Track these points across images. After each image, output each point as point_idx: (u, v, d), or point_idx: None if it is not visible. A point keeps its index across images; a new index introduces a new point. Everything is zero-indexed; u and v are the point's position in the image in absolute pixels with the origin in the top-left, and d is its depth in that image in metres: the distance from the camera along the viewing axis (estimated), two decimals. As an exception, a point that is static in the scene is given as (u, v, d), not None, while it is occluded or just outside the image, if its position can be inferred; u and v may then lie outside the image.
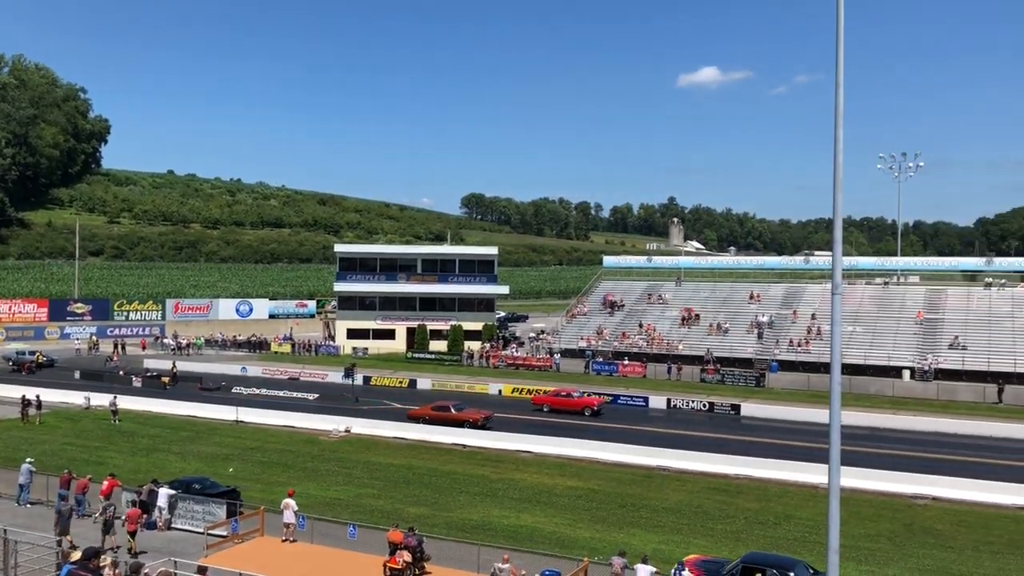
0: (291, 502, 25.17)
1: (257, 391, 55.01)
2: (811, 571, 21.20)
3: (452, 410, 43.92)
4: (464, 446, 39.25)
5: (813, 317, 65.23)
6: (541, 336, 74.32)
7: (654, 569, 20.89)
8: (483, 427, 42.38)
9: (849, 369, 56.52)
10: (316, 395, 53.29)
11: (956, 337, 60.25)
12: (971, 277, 79.96)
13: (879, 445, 39.96)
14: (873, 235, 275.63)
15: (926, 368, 57.59)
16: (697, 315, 70.10)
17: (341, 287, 79.38)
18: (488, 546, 23.07)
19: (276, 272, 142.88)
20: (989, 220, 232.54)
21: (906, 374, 57.72)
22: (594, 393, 51.37)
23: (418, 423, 43.06)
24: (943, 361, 58.26)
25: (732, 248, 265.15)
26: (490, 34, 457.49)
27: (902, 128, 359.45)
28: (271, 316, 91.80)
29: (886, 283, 73.00)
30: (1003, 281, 68.65)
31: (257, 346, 78.01)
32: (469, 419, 43.06)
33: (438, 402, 46.44)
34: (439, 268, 79.43)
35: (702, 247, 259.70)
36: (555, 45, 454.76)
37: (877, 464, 34.58)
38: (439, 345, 74.40)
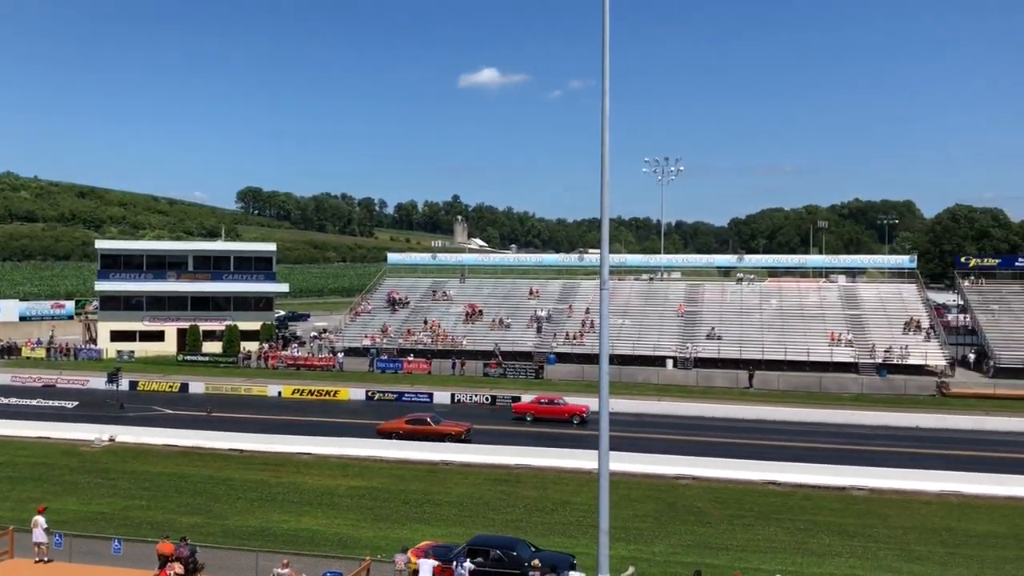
0: (40, 519, 23.21)
1: (6, 400, 50.06)
2: (532, 548, 22.54)
3: (430, 423, 39.99)
4: (241, 451, 37.80)
5: (587, 311, 68.44)
6: (323, 335, 72.94)
7: (436, 563, 21.17)
8: (465, 440, 39.03)
9: (618, 359, 60.02)
10: (75, 403, 49.44)
11: (712, 328, 65.39)
12: (725, 273, 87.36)
13: (646, 430, 42.63)
14: (640, 234, 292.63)
15: (687, 357, 62.13)
16: (480, 311, 71.51)
17: (103, 286, 73.76)
18: (267, 552, 22.46)
19: (28, 270, 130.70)
20: (741, 220, 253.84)
21: (669, 363, 61.94)
22: (552, 399, 47.12)
23: (389, 439, 38.99)
24: (701, 350, 63.04)
25: (513, 246, 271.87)
26: (273, 28, 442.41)
27: (666, 133, 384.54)
28: (23, 318, 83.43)
29: (651, 279, 78.03)
30: (752, 276, 75.51)
31: (6, 351, 70.96)
32: (451, 432, 39.43)
33: (413, 415, 41.68)
34: (213, 265, 75.65)
35: (485, 245, 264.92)
36: (338, 40, 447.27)
37: (644, 448, 36.93)
38: (213, 346, 71.00)
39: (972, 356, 63.46)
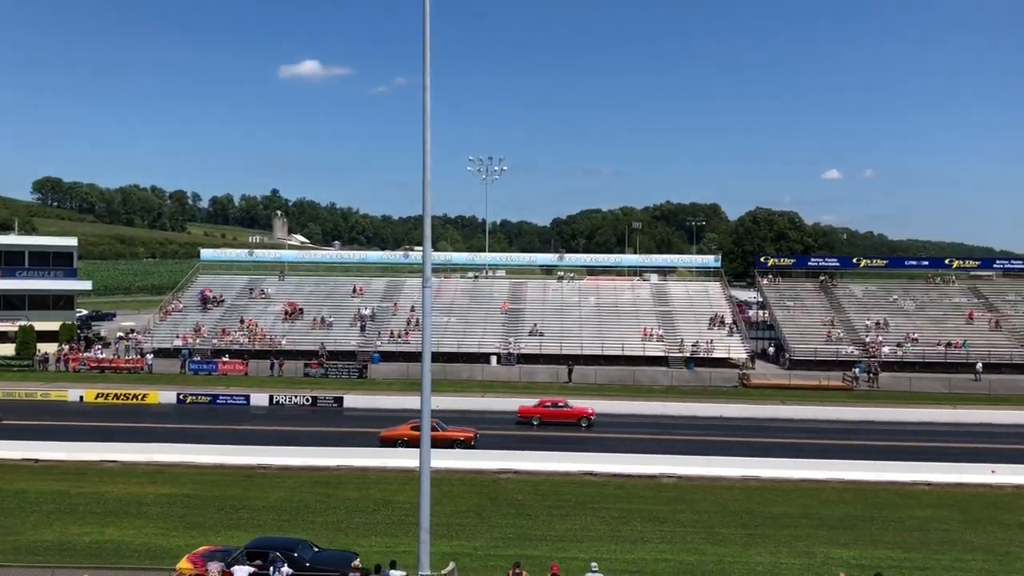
0: None
1: None
2: (315, 549, 22.39)
3: (438, 428, 37.57)
4: (37, 460, 34.99)
5: (412, 309, 68.30)
6: (130, 335, 68.87)
7: (252, 569, 20.50)
8: (473, 446, 37.65)
9: (444, 357, 60.31)
10: None
11: (535, 325, 67.00)
12: (547, 271, 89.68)
13: (470, 427, 42.98)
14: (466, 232, 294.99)
15: (510, 353, 63.31)
16: (301, 309, 69.86)
17: None
18: (65, 567, 21.00)
19: None
20: (562, 220, 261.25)
21: (493, 359, 62.96)
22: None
23: (394, 446, 37.15)
24: (524, 347, 64.47)
25: (336, 242, 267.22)
26: (78, 5, 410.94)
27: (490, 133, 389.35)
28: None
29: (476, 276, 79.00)
30: (572, 275, 78.08)
31: None
32: (460, 437, 37.91)
33: (413, 421, 38.72)
34: (4, 261, 69.42)
35: (307, 241, 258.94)
36: (146, 21, 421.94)
37: (467, 444, 37.32)
38: (6, 349, 65.38)
39: (772, 349, 68.37)
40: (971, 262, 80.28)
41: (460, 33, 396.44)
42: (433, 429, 37.89)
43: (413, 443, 36.79)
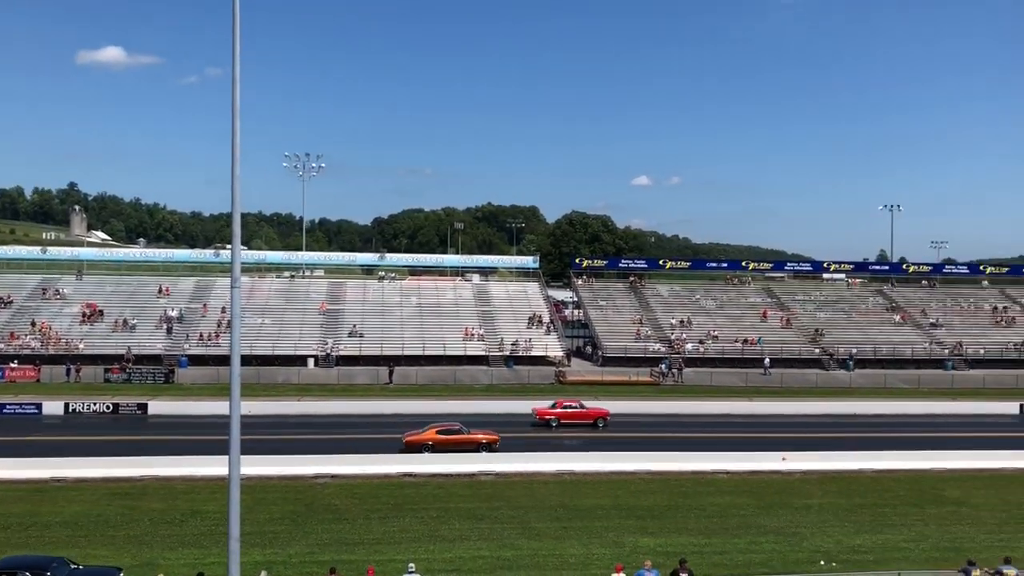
0: None
1: None
2: (73, 566, 21.16)
3: (462, 431, 38.15)
4: None
5: (223, 310, 65.60)
6: (-100, 340, 62.15)
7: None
8: (496, 449, 37.49)
9: (258, 360, 58.45)
10: None
11: (355, 325, 66.09)
12: (368, 271, 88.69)
13: (285, 431, 41.91)
14: (283, 231, 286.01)
15: (328, 355, 62.09)
16: (101, 311, 65.56)
17: None
18: None
19: None
20: (384, 220, 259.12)
21: (311, 362, 61.53)
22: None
23: (419, 452, 36.70)
24: (343, 348, 63.41)
25: (142, 240, 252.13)
26: None
27: (308, 130, 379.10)
28: None
29: (292, 276, 76.98)
30: (394, 275, 77.86)
31: None
32: (484, 440, 37.77)
33: (442, 424, 38.96)
34: None
35: (108, 238, 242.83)
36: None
37: (283, 450, 36.26)
38: None
39: (590, 348, 70.76)
40: (765, 264, 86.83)
41: (275, 24, 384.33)
42: (457, 432, 38.47)
43: (439, 448, 37.18)
